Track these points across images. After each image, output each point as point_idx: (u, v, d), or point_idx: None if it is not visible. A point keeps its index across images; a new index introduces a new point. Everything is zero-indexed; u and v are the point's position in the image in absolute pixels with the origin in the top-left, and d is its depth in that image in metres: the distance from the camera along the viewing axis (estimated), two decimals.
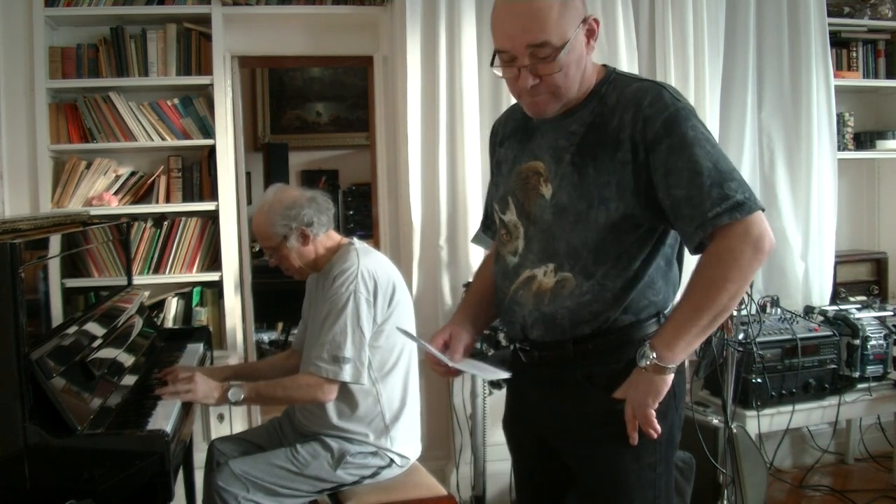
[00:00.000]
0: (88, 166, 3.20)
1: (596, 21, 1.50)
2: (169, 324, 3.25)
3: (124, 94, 3.21)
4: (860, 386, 3.24)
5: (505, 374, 1.63)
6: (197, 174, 3.31)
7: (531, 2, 1.43)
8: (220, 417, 3.29)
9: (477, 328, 1.73)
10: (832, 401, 3.21)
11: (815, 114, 3.54)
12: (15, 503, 1.76)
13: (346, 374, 2.20)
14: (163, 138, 3.23)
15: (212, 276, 3.27)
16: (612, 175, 1.47)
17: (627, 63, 3.29)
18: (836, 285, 3.69)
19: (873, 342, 3.24)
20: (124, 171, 3.30)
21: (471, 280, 3.13)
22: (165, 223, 3.27)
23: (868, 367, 3.24)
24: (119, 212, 3.17)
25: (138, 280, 3.08)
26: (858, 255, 3.85)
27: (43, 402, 1.74)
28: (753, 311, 3.08)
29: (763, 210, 1.42)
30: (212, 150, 3.26)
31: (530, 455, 1.72)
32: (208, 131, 3.26)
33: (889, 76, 3.85)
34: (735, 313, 2.92)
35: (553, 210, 1.53)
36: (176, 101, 3.26)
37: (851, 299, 3.64)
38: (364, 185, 5.84)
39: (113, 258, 2.70)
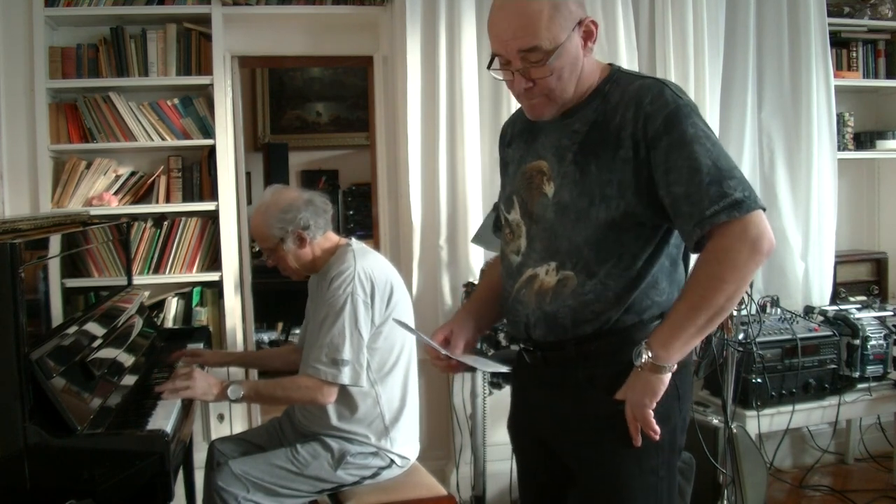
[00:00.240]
0: (88, 166, 3.20)
1: (594, 23, 1.50)
2: (169, 324, 3.25)
3: (124, 94, 3.21)
4: (860, 386, 3.24)
5: (504, 368, 1.64)
6: (197, 174, 3.31)
7: (521, 7, 1.43)
8: (221, 417, 3.29)
9: (480, 326, 1.73)
10: (832, 401, 3.21)
11: (815, 114, 3.54)
12: (15, 503, 1.76)
13: (345, 376, 2.20)
14: (163, 138, 3.23)
15: (212, 276, 3.27)
16: (614, 173, 1.47)
17: (627, 63, 3.28)
18: (836, 285, 3.69)
19: (873, 342, 3.24)
20: (124, 171, 3.30)
21: (471, 280, 3.16)
22: (165, 223, 3.27)
23: (868, 367, 3.24)
24: (119, 212, 3.17)
25: (138, 280, 3.08)
26: (858, 255, 3.85)
27: (43, 402, 1.74)
28: (753, 311, 3.08)
29: (764, 209, 1.41)
30: (212, 150, 3.26)
31: (533, 456, 1.71)
32: (208, 131, 3.26)
33: (889, 76, 3.85)
34: (735, 313, 2.92)
35: (555, 208, 1.53)
36: (176, 101, 3.26)
37: (851, 299, 3.64)
38: (364, 185, 5.84)
39: (113, 258, 2.70)
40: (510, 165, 1.69)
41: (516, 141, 1.69)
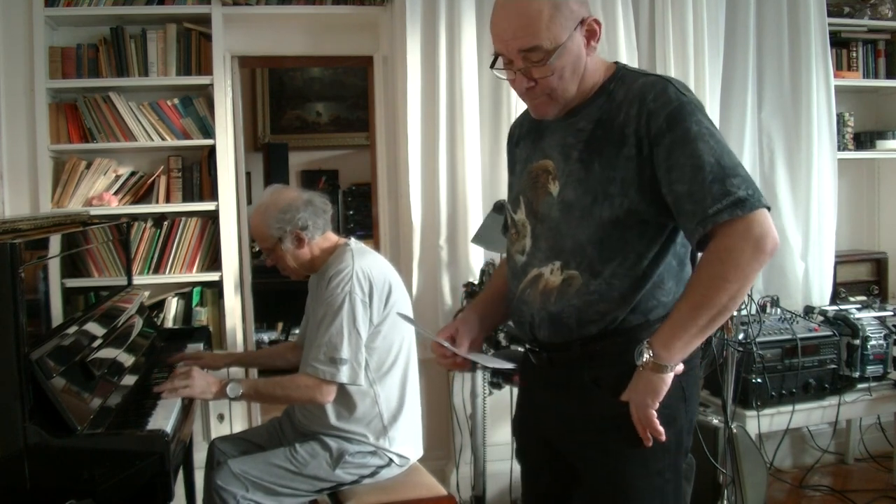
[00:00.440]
0: (88, 166, 3.20)
1: (597, 22, 1.50)
2: (169, 324, 3.25)
3: (124, 94, 3.21)
4: (860, 386, 3.24)
5: (510, 365, 1.64)
6: (197, 174, 3.31)
7: (522, 7, 1.43)
8: (220, 417, 3.29)
9: (485, 326, 1.73)
10: (832, 401, 3.21)
11: (815, 114, 3.54)
12: (15, 503, 1.76)
13: (343, 375, 2.20)
14: (163, 138, 3.23)
15: (212, 276, 3.27)
16: (618, 170, 1.46)
17: (627, 63, 3.28)
18: (836, 285, 3.69)
19: (873, 342, 3.24)
20: (124, 171, 3.30)
21: (471, 280, 3.16)
22: (165, 223, 3.27)
23: (868, 367, 3.24)
24: (119, 212, 3.17)
25: (138, 280, 3.08)
26: (858, 255, 3.85)
27: (43, 402, 1.74)
28: (753, 311, 3.08)
29: (768, 208, 1.39)
30: (212, 150, 3.26)
31: (538, 456, 1.71)
32: (208, 131, 3.26)
33: (889, 76, 3.85)
34: (735, 313, 2.91)
35: (560, 207, 1.52)
36: (176, 101, 3.26)
37: (851, 299, 3.64)
38: (364, 185, 5.84)
39: (113, 258, 2.70)
40: (518, 165, 1.69)
41: (524, 141, 1.69)
